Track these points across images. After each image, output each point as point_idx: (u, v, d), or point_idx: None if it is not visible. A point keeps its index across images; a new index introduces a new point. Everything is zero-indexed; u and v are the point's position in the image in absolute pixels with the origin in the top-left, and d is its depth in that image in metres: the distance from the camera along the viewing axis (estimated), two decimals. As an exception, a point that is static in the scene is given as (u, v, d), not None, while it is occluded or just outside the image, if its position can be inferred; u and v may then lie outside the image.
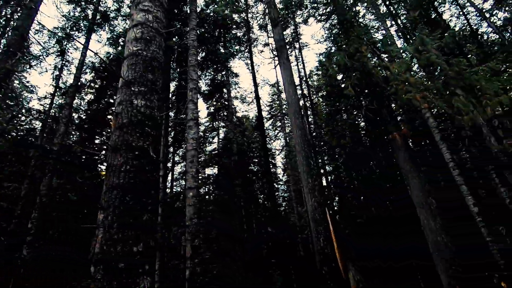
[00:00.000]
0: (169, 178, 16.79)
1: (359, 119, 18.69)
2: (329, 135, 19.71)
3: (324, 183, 18.63)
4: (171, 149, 16.99)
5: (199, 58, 12.29)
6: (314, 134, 18.28)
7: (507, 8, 13.63)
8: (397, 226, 14.05)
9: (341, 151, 18.99)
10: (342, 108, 17.52)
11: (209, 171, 21.27)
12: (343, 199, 19.10)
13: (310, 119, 18.46)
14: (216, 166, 18.65)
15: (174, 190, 19.71)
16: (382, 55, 10.35)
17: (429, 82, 7.02)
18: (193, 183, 5.62)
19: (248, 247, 16.21)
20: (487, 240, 10.91)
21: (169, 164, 16.25)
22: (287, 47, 15.80)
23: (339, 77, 15.22)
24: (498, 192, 13.37)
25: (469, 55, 15.06)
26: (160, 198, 9.43)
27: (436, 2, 15.31)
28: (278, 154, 22.87)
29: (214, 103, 17.58)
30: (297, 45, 16.17)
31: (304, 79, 17.03)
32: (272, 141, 22.91)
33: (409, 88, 5.48)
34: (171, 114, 14.07)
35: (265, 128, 17.61)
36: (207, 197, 18.40)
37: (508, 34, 14.44)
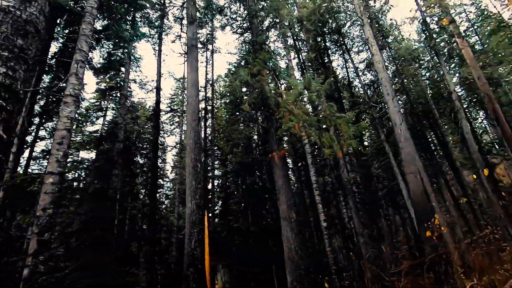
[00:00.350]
0: (26, 155, 13.68)
1: (254, 133, 20.24)
2: (225, 141, 20.52)
3: (210, 186, 19.11)
4: (37, 120, 13.96)
5: (98, 27, 10.77)
6: (210, 137, 18.63)
7: (372, 73, 17.77)
8: (273, 235, 15.66)
9: (232, 158, 20.00)
10: (241, 119, 18.60)
11: (84, 154, 18.58)
12: (226, 204, 20.03)
13: (208, 122, 18.74)
14: (95, 151, 16.45)
15: (30, 170, 16.13)
16: (280, 82, 11.65)
17: (311, 116, 8.39)
18: (56, 168, 4.83)
19: (119, 242, 14.87)
20: (327, 250, 13.57)
21: (29, 138, 13.28)
22: (200, 46, 15.73)
23: (244, 89, 16.20)
24: (342, 213, 16.89)
25: (344, 100, 18.74)
26: (7, 178, 7.62)
27: (329, 51, 18.46)
28: (170, 150, 22.10)
29: (107, 80, 15.60)
30: (210, 47, 16.32)
31: (211, 82, 17.27)
32: (167, 135, 21.99)
33: (292, 118, 6.44)
34: (46, 79, 11.63)
35: (161, 121, 16.77)
36: (75, 183, 15.95)
37: (370, 92, 18.78)
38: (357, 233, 13.35)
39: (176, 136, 22.45)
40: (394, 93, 11.27)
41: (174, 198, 20.70)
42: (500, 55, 15.58)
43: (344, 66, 18.54)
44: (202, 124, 16.44)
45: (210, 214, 18.14)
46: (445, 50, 16.54)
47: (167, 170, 23.88)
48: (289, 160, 22.87)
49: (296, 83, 7.27)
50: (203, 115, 16.32)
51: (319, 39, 16.98)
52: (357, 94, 19.90)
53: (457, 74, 17.37)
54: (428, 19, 14.68)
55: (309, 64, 14.65)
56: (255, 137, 20.31)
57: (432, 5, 13.77)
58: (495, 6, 17.99)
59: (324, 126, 11.07)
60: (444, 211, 18.41)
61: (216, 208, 20.91)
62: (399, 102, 17.23)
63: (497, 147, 20.51)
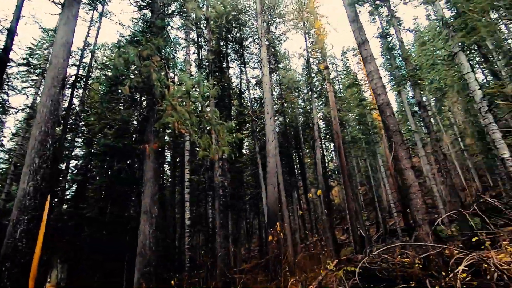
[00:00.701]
0: None
1: (134, 117, 18.48)
2: (97, 118, 17.78)
3: (64, 166, 16.14)
4: None
5: None
6: (77, 109, 15.79)
7: (260, 90, 19.56)
8: (133, 229, 14.35)
9: (102, 139, 17.54)
10: (121, 99, 16.68)
11: None
12: (83, 190, 17.25)
13: (79, 93, 15.87)
14: None
15: None
16: (173, 72, 11.24)
17: (193, 116, 8.41)
18: None
19: None
20: (186, 248, 13.70)
21: None
22: (86, 2, 13.34)
23: (133, 67, 14.64)
24: (208, 213, 17.50)
25: (233, 108, 19.76)
26: None
27: (229, 57, 19.20)
28: (14, 113, 17.25)
29: None
30: (100, 8, 13.95)
31: (91, 47, 14.77)
32: (14, 93, 17.09)
33: (173, 114, 6.30)
34: None
35: (7, 72, 12.95)
36: None
37: (256, 105, 20.57)
38: (217, 233, 14.13)
39: (28, 97, 17.83)
40: (273, 113, 12.78)
41: (7, 173, 16.25)
42: (351, 104, 20.25)
43: (240, 76, 19.66)
44: (69, 92, 13.79)
45: (56, 199, 15.21)
46: (318, 89, 20.08)
47: (4, 137, 18.56)
48: (167, 153, 22.08)
49: (187, 80, 7.18)
50: (71, 82, 13.68)
51: (222, 43, 17.40)
52: (245, 105, 21.38)
53: (322, 111, 21.37)
54: (311, 60, 17.51)
55: (207, 64, 14.76)
56: (135, 122, 18.57)
57: (316, 49, 16.56)
58: (353, 67, 23.31)
59: (208, 128, 11.32)
60: (292, 220, 21.96)
61: (67, 193, 17.71)
62: (277, 121, 19.64)
63: (336, 173, 26.10)
